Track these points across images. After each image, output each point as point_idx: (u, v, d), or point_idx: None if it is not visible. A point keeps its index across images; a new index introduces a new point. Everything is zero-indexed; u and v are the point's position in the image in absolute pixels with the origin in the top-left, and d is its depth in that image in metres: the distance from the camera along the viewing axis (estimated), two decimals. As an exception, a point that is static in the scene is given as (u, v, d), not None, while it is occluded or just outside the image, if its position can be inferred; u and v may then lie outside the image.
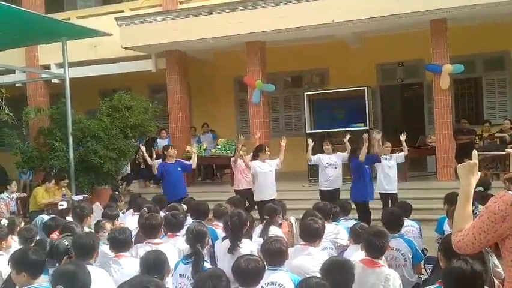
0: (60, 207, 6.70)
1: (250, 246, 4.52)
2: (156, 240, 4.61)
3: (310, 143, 8.59)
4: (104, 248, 4.57)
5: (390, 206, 7.62)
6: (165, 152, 9.05)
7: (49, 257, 3.97)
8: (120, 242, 4.29)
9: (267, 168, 8.25)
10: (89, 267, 3.68)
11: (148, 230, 4.68)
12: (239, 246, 4.39)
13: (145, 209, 5.97)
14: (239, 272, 3.32)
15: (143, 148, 9.26)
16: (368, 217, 7.70)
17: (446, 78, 10.44)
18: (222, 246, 4.60)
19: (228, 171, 12.66)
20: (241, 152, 8.52)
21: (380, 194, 8.29)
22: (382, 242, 3.84)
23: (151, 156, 8.90)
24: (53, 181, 9.85)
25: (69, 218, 6.20)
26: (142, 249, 4.25)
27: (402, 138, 8.43)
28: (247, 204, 8.64)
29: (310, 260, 4.17)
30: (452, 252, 2.48)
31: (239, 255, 3.70)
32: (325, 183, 8.54)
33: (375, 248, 3.82)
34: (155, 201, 6.89)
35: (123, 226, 5.13)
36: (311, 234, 4.32)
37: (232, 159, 9.13)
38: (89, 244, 3.96)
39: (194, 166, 9.20)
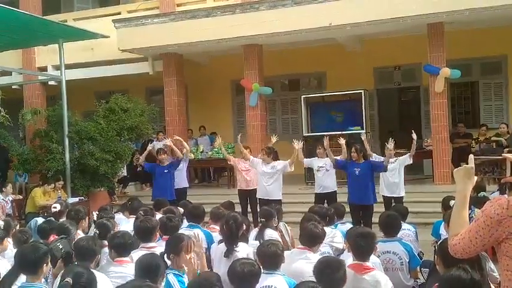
0: (53, 210, 6.55)
1: (246, 250, 4.49)
2: (150, 244, 4.53)
3: (298, 145, 8.24)
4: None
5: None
6: (157, 156, 9.16)
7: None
8: (123, 246, 4.21)
9: (264, 169, 8.27)
10: None
11: (142, 233, 4.61)
12: (235, 250, 4.37)
13: (141, 212, 5.93)
14: (235, 276, 3.30)
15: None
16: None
17: (442, 81, 10.47)
18: (218, 249, 4.58)
19: (225, 174, 12.67)
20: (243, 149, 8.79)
21: (383, 197, 8.24)
22: (368, 242, 3.82)
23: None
24: (53, 184, 9.84)
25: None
26: (136, 254, 4.20)
27: (414, 136, 8.07)
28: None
29: (307, 264, 4.14)
30: (450, 257, 2.47)
31: (235, 259, 3.67)
32: (318, 186, 8.55)
33: (361, 249, 3.80)
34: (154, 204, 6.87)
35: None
36: (311, 239, 4.31)
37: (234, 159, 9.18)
38: (89, 248, 3.87)
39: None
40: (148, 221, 4.72)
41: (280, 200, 8.18)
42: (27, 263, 3.48)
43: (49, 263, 3.61)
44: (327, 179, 8.45)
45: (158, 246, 4.56)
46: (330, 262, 3.42)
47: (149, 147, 9.60)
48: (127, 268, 3.99)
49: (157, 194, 8.86)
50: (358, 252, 3.81)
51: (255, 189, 8.60)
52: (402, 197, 8.09)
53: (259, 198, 8.33)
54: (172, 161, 9.27)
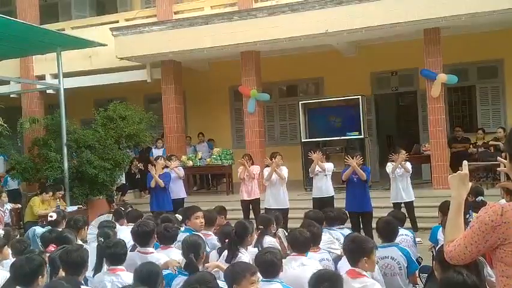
0: (49, 219, 6.49)
1: (246, 257, 4.51)
2: (148, 249, 4.53)
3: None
4: None
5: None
6: (154, 162, 9.14)
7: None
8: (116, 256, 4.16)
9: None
10: None
11: (139, 237, 4.58)
12: (240, 252, 4.40)
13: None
14: (264, 263, 3.54)
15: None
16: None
17: (438, 86, 10.50)
18: (215, 256, 4.61)
19: (224, 181, 12.67)
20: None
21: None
22: (357, 246, 3.81)
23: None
24: (51, 193, 9.81)
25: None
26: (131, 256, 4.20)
27: None
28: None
29: (305, 269, 4.15)
30: (447, 263, 2.48)
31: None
32: (315, 191, 8.59)
33: (349, 252, 3.83)
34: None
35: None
36: (299, 245, 4.35)
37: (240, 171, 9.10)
38: (76, 261, 3.77)
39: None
40: (145, 224, 4.71)
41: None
42: (22, 275, 3.45)
43: (45, 275, 3.58)
44: (326, 183, 8.50)
45: (155, 253, 4.56)
46: (327, 275, 3.39)
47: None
48: (119, 277, 3.99)
49: (154, 203, 8.84)
50: (348, 256, 3.86)
51: (257, 198, 8.66)
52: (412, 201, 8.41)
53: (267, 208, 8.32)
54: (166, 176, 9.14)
